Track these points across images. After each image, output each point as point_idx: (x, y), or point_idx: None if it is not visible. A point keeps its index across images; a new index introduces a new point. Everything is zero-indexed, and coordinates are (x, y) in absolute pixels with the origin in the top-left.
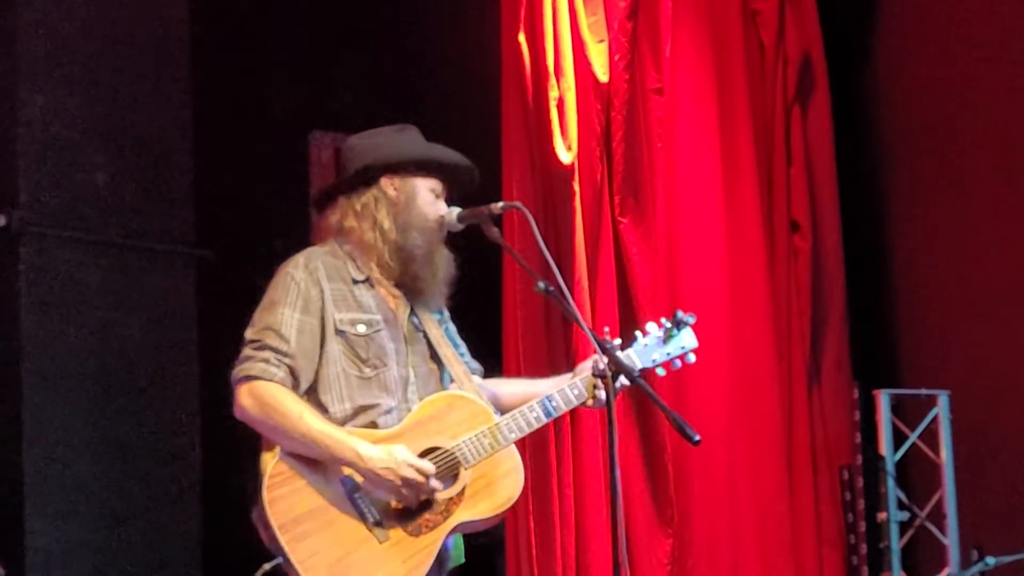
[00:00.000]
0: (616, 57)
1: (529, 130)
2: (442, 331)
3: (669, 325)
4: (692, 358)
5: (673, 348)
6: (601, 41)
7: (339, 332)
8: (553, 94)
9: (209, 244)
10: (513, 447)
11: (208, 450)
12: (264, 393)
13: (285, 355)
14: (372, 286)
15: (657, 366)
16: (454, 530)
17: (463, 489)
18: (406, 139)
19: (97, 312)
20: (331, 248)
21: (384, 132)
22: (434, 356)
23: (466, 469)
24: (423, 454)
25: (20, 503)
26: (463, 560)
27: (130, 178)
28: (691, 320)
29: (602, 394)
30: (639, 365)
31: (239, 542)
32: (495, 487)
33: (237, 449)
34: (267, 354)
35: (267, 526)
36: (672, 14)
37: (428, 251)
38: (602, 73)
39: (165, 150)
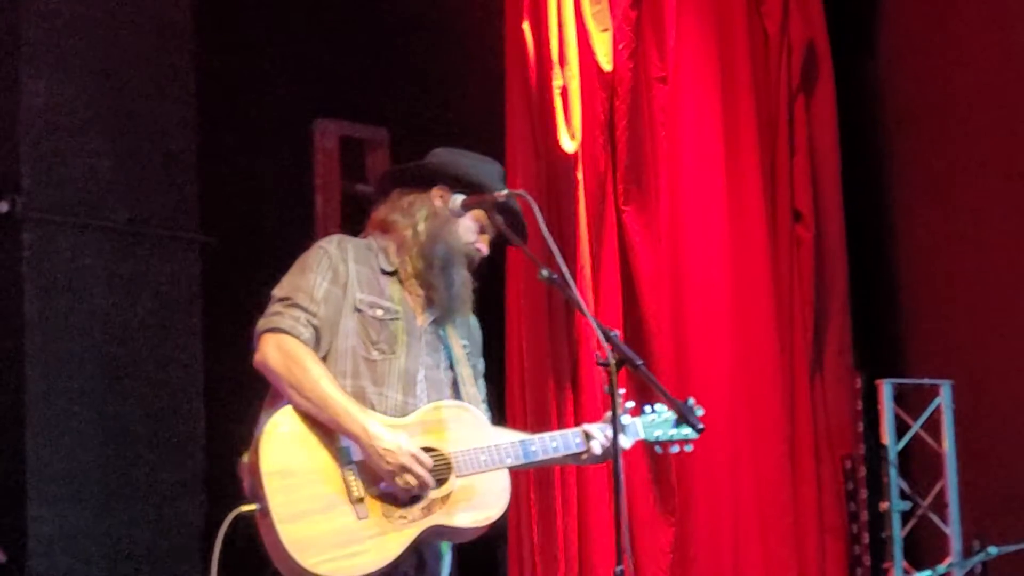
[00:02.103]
0: (620, 46)
1: (533, 119)
2: (465, 354)
3: None
4: (690, 448)
5: (678, 433)
6: (605, 30)
7: (357, 310)
8: (557, 83)
9: (213, 230)
10: (506, 472)
11: (211, 435)
12: (289, 348)
13: (314, 316)
14: (400, 281)
15: (657, 443)
16: (428, 531)
17: (448, 495)
18: (481, 166)
19: (100, 298)
20: (367, 241)
21: (468, 154)
22: (451, 369)
23: (457, 477)
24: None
25: (22, 489)
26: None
27: (133, 164)
28: (700, 412)
29: (596, 446)
30: (641, 435)
31: (242, 528)
32: (478, 502)
33: (240, 434)
34: (297, 312)
35: (255, 471)
36: (676, 3)
37: (447, 266)
38: (606, 62)
39: (169, 136)
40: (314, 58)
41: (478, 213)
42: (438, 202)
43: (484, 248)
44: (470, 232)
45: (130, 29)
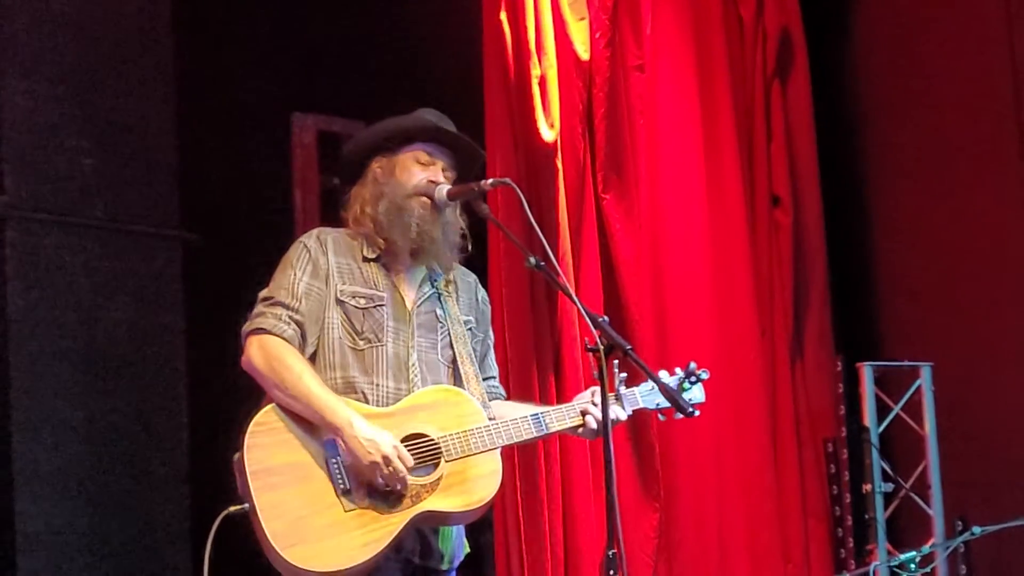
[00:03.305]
0: (597, 35)
1: (511, 108)
2: (466, 330)
3: (683, 375)
4: (696, 413)
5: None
6: (582, 19)
7: (339, 302)
8: (535, 72)
9: (194, 226)
10: (497, 453)
11: (195, 433)
12: (271, 347)
13: (296, 312)
14: (384, 266)
15: (660, 411)
16: (418, 518)
17: (439, 479)
18: (398, 120)
19: (83, 296)
20: (350, 230)
21: (387, 120)
22: (450, 348)
23: (446, 462)
24: (408, 438)
25: (8, 486)
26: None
27: (114, 161)
28: (705, 376)
29: (592, 421)
30: (640, 405)
31: (232, 527)
32: (470, 485)
33: (224, 431)
34: (279, 311)
35: (242, 471)
36: None
37: (397, 214)
38: (583, 51)
39: (149, 133)
40: (291, 53)
41: (413, 153)
42: (377, 173)
43: (435, 178)
44: (409, 173)
45: (110, 27)
